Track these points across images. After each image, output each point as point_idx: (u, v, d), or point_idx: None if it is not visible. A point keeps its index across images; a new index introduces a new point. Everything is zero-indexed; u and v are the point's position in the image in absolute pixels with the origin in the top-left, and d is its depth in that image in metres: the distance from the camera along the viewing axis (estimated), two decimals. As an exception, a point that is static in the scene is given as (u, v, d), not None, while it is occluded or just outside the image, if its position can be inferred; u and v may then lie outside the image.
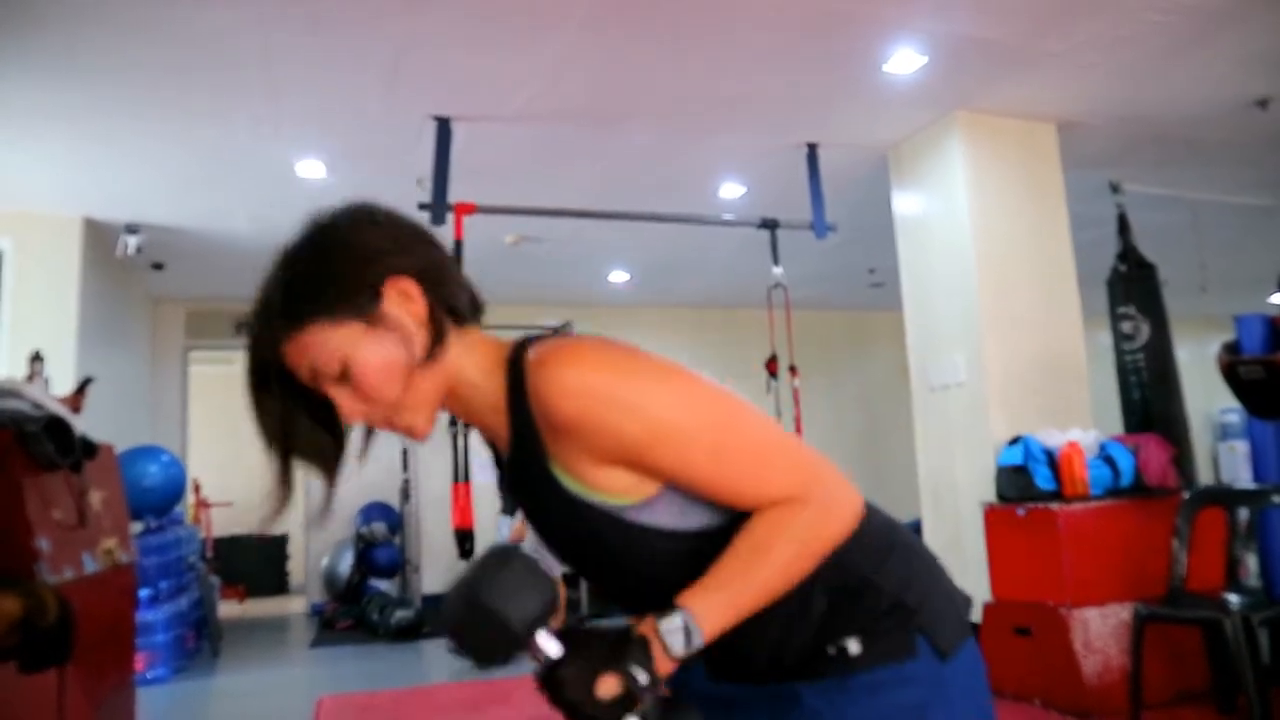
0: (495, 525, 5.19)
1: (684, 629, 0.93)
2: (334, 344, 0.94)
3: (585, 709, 0.91)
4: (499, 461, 1.12)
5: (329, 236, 0.98)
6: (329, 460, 1.03)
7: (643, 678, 0.91)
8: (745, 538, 0.96)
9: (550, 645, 0.93)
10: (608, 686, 0.91)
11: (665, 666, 0.93)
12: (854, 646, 1.01)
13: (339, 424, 1.02)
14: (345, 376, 0.95)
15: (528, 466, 1.01)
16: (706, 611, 0.94)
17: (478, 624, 0.90)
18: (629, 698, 0.91)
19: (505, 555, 0.92)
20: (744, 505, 0.98)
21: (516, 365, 1.00)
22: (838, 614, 1.01)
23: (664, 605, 1.00)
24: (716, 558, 0.98)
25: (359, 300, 0.95)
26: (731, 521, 1.00)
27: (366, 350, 0.94)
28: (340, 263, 0.95)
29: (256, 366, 0.97)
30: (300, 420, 1.00)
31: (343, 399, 0.96)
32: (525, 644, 0.91)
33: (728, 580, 0.95)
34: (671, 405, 0.96)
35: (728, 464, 0.96)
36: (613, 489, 0.98)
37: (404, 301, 0.97)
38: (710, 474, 0.96)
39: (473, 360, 1.02)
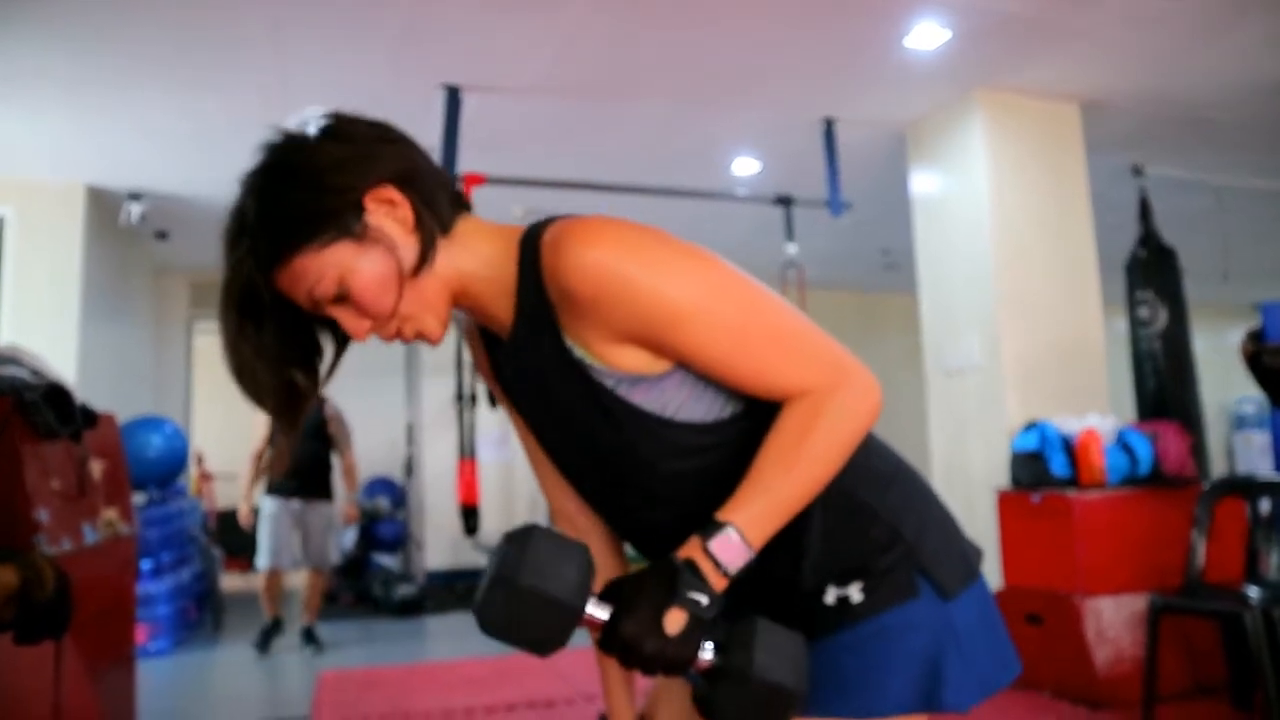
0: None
1: (731, 542, 0.88)
2: (327, 267, 0.92)
3: (664, 654, 0.86)
4: (493, 354, 1.08)
5: (298, 160, 0.93)
6: (297, 396, 0.99)
7: (704, 600, 0.87)
8: (779, 435, 0.92)
9: (599, 610, 0.88)
10: (675, 621, 0.86)
11: (720, 584, 0.89)
12: (856, 594, 0.98)
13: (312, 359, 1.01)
14: (344, 296, 0.93)
15: (536, 341, 0.97)
16: (750, 520, 0.90)
17: (527, 613, 0.83)
18: (697, 625, 0.87)
19: (525, 533, 0.86)
20: (767, 393, 0.94)
21: (531, 246, 0.95)
22: (834, 540, 0.98)
23: (661, 516, 0.99)
24: (716, 453, 0.97)
25: (344, 220, 0.92)
26: (737, 415, 0.97)
27: (360, 267, 0.92)
28: (317, 187, 0.92)
29: (245, 294, 0.93)
30: (285, 349, 0.98)
31: (346, 317, 0.95)
32: (581, 617, 0.85)
33: (766, 483, 0.91)
34: (693, 285, 0.91)
35: (751, 348, 0.92)
36: (625, 364, 0.94)
37: (389, 210, 0.94)
38: (732, 358, 0.92)
39: (477, 250, 0.98)
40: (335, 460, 5.25)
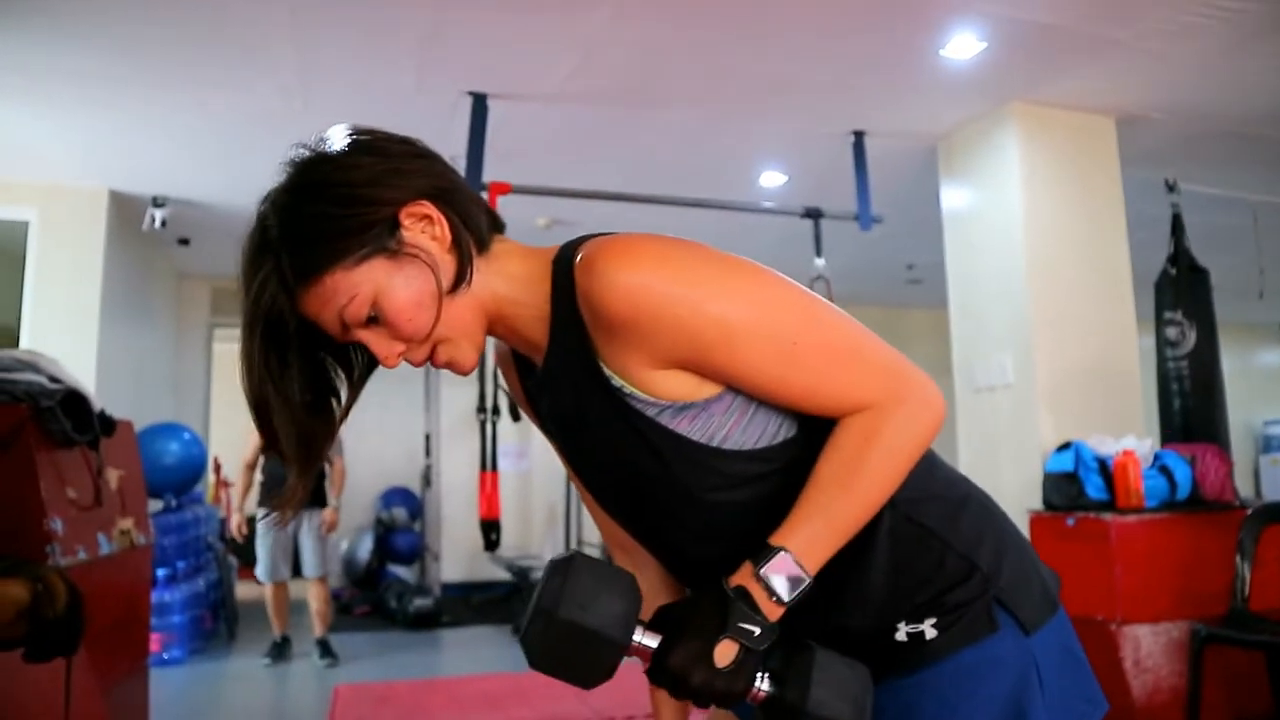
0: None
1: (785, 568, 0.82)
2: (360, 286, 0.85)
3: (714, 687, 0.80)
4: (525, 380, 1.02)
5: (329, 174, 0.88)
6: (318, 437, 0.92)
7: (757, 631, 0.81)
8: (834, 453, 0.85)
9: (647, 638, 0.83)
10: (724, 654, 0.81)
11: (775, 613, 0.83)
12: (930, 630, 0.90)
13: (329, 394, 0.94)
14: (376, 318, 0.87)
15: (570, 369, 0.90)
16: (806, 544, 0.83)
17: (568, 646, 0.79)
18: (749, 657, 0.81)
19: (566, 562, 0.81)
20: (823, 409, 0.87)
21: (564, 267, 0.89)
22: (904, 574, 0.90)
23: (711, 550, 0.92)
24: (769, 481, 0.90)
25: (378, 235, 0.86)
26: (790, 440, 0.90)
27: (395, 285, 0.86)
28: (350, 201, 0.86)
29: (269, 318, 0.86)
30: (305, 382, 0.91)
31: (376, 341, 0.88)
32: (625, 650, 0.80)
33: (823, 504, 0.84)
34: (739, 302, 0.85)
35: (804, 366, 0.85)
36: (667, 390, 0.87)
37: (426, 226, 0.88)
38: (785, 376, 0.85)
39: (511, 273, 0.92)
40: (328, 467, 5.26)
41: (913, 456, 0.87)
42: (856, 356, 0.87)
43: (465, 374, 0.93)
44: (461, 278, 0.89)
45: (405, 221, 0.87)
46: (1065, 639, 0.96)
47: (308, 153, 0.90)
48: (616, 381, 0.87)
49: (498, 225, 0.95)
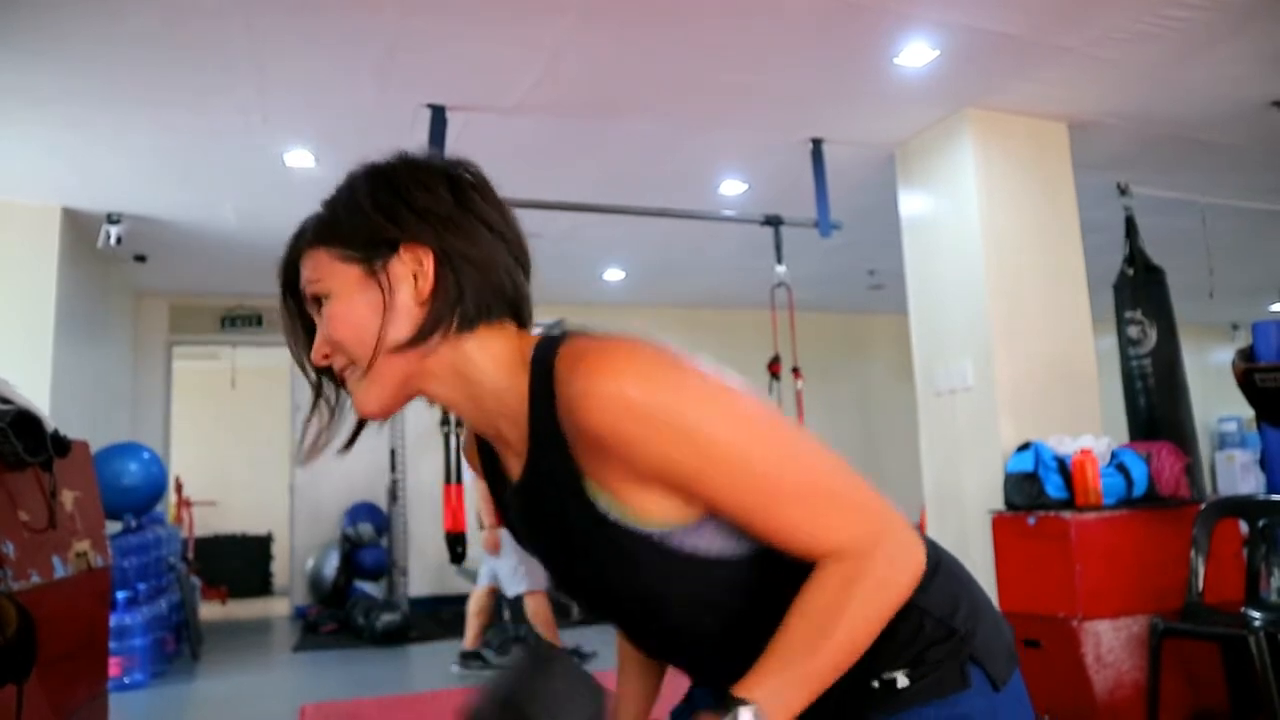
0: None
1: None
2: (329, 276, 0.90)
3: None
4: (499, 480, 1.00)
5: (388, 177, 0.93)
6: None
7: None
8: (807, 603, 0.84)
9: None
10: None
11: None
12: (901, 679, 0.90)
13: None
14: (321, 311, 0.92)
15: (552, 485, 0.89)
16: (773, 698, 0.81)
17: None
18: None
19: (546, 661, 0.81)
20: (800, 551, 0.86)
21: (543, 366, 0.87)
22: (883, 641, 0.89)
23: (712, 650, 0.92)
24: (775, 585, 0.88)
25: (371, 247, 0.90)
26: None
27: (348, 296, 0.90)
28: (376, 206, 0.90)
29: (282, 270, 0.97)
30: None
31: (319, 329, 0.93)
32: None
33: (792, 656, 0.83)
34: (725, 428, 0.83)
35: (786, 502, 0.84)
36: (656, 513, 0.86)
37: (416, 270, 0.89)
38: (765, 512, 0.85)
39: (488, 354, 0.90)
40: None
41: (888, 616, 0.86)
42: (836, 497, 0.86)
43: (360, 415, 0.95)
44: (417, 338, 0.88)
45: (403, 256, 0.89)
46: (1021, 693, 0.97)
47: (401, 157, 0.95)
48: (603, 507, 0.87)
49: (521, 319, 0.95)
